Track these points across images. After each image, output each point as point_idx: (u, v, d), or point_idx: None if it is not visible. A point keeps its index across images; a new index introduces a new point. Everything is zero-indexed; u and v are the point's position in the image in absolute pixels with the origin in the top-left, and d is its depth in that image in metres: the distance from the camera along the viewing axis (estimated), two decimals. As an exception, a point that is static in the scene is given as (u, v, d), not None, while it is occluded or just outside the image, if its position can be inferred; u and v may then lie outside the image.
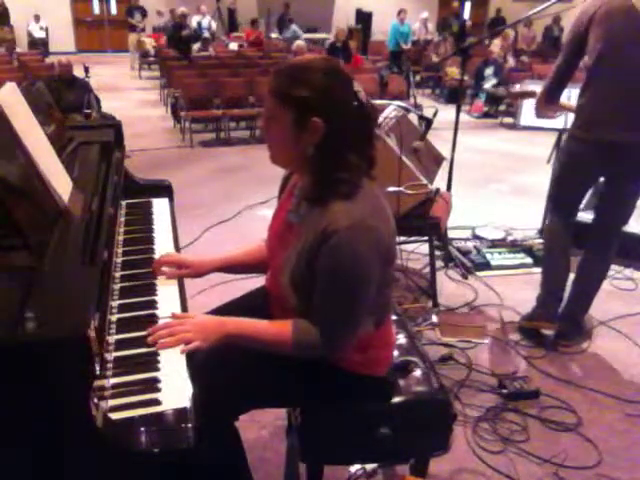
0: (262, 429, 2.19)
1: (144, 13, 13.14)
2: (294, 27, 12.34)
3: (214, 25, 13.10)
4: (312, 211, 1.33)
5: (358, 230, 1.26)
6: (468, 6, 16.64)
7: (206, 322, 1.37)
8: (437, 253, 3.51)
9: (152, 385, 1.17)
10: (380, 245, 1.31)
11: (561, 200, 2.78)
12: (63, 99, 5.64)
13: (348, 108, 1.28)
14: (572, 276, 2.80)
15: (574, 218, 2.77)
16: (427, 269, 3.35)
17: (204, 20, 12.80)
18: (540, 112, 2.80)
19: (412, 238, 3.58)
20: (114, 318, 1.35)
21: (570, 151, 2.64)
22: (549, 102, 2.70)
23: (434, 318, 2.94)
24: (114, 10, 15.42)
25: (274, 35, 13.27)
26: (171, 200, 2.15)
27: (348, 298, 1.32)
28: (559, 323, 2.81)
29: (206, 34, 11.32)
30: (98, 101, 6.39)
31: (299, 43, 8.98)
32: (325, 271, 1.29)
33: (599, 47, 2.40)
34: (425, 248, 3.38)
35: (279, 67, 1.32)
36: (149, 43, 12.53)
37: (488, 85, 8.77)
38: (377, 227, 1.29)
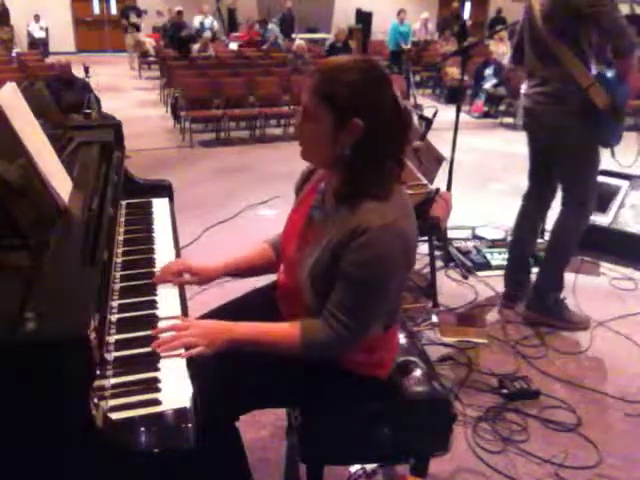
0: (262, 429, 2.19)
1: (139, 13, 13.13)
2: (271, 26, 12.34)
3: (216, 25, 13.11)
4: (340, 209, 1.33)
5: (390, 232, 1.26)
6: (468, 6, 16.64)
7: (211, 327, 1.37)
8: (437, 253, 3.51)
9: (152, 385, 1.16)
10: (407, 250, 1.32)
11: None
12: (63, 99, 5.63)
13: (387, 111, 1.28)
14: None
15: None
16: (427, 269, 3.35)
17: (207, 20, 12.81)
18: None
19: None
20: (114, 318, 1.35)
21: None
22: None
23: (434, 318, 2.94)
24: (114, 10, 15.42)
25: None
26: (171, 200, 2.15)
27: (368, 296, 1.31)
28: (528, 295, 3.05)
29: (208, 34, 11.31)
30: (98, 101, 6.38)
31: (299, 43, 8.98)
32: (350, 266, 1.28)
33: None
34: (425, 248, 3.37)
35: (321, 66, 1.32)
36: (149, 43, 12.53)
37: (488, 85, 8.77)
38: (407, 232, 1.30)
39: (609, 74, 2.57)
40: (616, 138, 2.70)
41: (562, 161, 2.81)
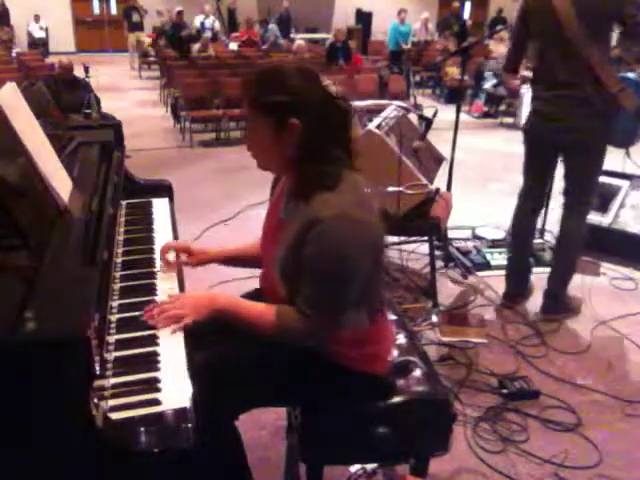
0: (262, 429, 2.19)
1: (141, 12, 13.12)
2: (271, 26, 12.33)
3: (217, 25, 13.10)
4: (299, 206, 1.36)
5: (342, 220, 1.29)
6: (468, 6, 16.64)
7: (198, 297, 1.42)
8: (437, 253, 3.51)
9: (152, 385, 1.16)
10: (366, 235, 1.34)
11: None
12: (63, 99, 5.62)
13: (322, 105, 1.33)
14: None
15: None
16: (427, 269, 3.35)
17: (208, 20, 12.80)
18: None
19: (412, 238, 3.58)
20: (114, 318, 1.35)
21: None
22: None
23: (434, 318, 2.94)
24: (114, 10, 15.42)
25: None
26: (171, 200, 2.15)
27: (331, 286, 1.34)
28: (543, 299, 3.06)
29: (208, 34, 11.31)
30: (98, 101, 6.37)
31: (299, 43, 8.98)
32: (309, 259, 1.32)
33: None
34: (425, 248, 3.38)
35: (248, 77, 1.38)
36: (149, 43, 12.53)
37: (488, 85, 8.76)
38: (360, 217, 1.33)
39: (630, 76, 2.63)
40: (637, 138, 2.75)
41: (577, 162, 2.80)
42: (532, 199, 3.04)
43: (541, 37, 2.72)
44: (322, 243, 1.30)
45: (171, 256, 1.65)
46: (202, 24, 12.62)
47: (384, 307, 1.56)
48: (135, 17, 12.77)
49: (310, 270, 1.33)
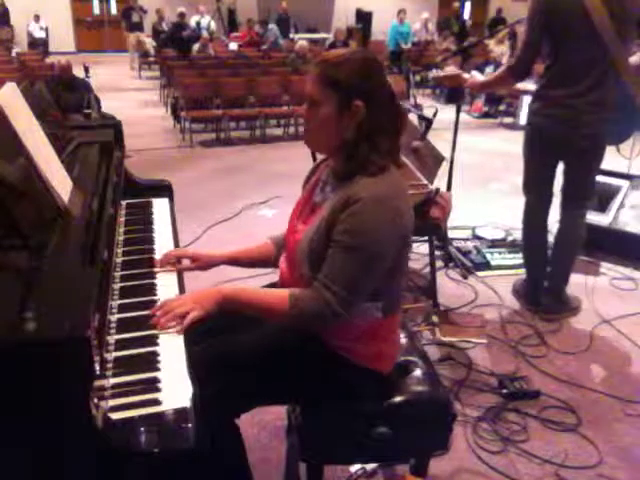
0: (262, 429, 2.19)
1: (141, 12, 13.11)
2: (271, 26, 12.32)
3: (213, 25, 13.10)
4: (338, 188, 1.41)
5: (380, 204, 1.33)
6: (468, 6, 16.63)
7: (200, 292, 1.42)
8: (437, 253, 3.51)
9: (152, 385, 1.17)
10: (399, 224, 1.36)
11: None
12: (63, 99, 5.63)
13: (385, 96, 1.39)
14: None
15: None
16: (427, 269, 3.35)
17: (203, 20, 12.80)
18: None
19: (412, 238, 3.57)
20: (114, 318, 1.35)
21: None
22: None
23: (434, 318, 2.94)
24: (114, 10, 15.40)
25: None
26: (171, 200, 2.15)
27: (356, 264, 1.34)
28: (543, 298, 3.07)
29: (205, 34, 11.31)
30: (98, 101, 6.39)
31: (302, 43, 8.98)
32: (339, 234, 1.34)
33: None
34: (425, 248, 3.37)
35: (321, 57, 1.42)
36: (149, 43, 12.52)
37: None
38: (398, 206, 1.36)
39: None
40: (627, 136, 2.82)
41: (582, 163, 2.80)
42: (542, 201, 3.00)
43: (565, 37, 2.59)
44: (356, 220, 1.32)
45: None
46: (198, 24, 12.61)
47: (399, 306, 1.56)
48: (134, 17, 12.77)
49: (338, 246, 1.34)
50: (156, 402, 1.12)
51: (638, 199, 3.78)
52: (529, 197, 3.03)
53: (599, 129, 2.68)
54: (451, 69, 3.23)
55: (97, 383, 1.04)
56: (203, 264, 1.68)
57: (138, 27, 12.86)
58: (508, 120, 8.16)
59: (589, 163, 2.81)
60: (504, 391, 2.42)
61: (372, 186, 1.34)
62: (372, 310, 1.44)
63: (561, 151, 2.81)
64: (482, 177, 5.44)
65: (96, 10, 15.62)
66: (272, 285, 1.66)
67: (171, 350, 1.27)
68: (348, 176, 1.39)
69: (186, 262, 1.68)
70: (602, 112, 2.65)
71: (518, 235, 3.97)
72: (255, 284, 1.78)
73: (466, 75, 3.13)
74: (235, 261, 1.73)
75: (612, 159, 2.91)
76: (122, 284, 1.52)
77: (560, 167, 2.90)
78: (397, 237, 1.37)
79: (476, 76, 3.12)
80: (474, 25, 15.04)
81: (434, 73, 3.33)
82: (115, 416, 1.07)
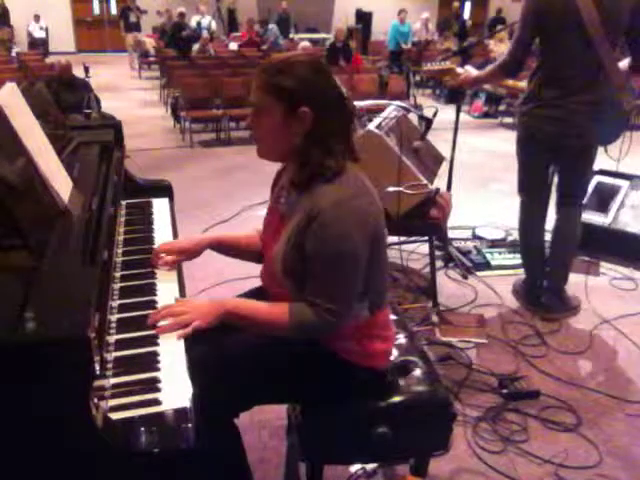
0: (262, 429, 2.19)
1: (138, 12, 13.11)
2: (271, 26, 12.32)
3: (214, 25, 13.10)
4: (300, 198, 1.39)
5: (341, 208, 1.32)
6: (468, 6, 16.63)
7: (204, 302, 1.41)
8: (437, 253, 3.51)
9: (152, 385, 1.16)
10: (365, 224, 1.35)
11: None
12: (63, 99, 5.63)
13: (333, 99, 1.37)
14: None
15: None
16: (427, 269, 3.35)
17: (204, 20, 12.80)
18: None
19: (412, 238, 3.58)
20: (114, 318, 1.35)
21: None
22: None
23: (434, 318, 2.94)
24: (114, 10, 15.42)
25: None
26: (171, 200, 2.15)
27: (339, 275, 1.35)
28: (543, 297, 3.09)
29: (205, 34, 11.31)
30: (98, 101, 6.39)
31: (304, 44, 8.97)
32: (314, 251, 1.34)
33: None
34: (425, 248, 3.38)
35: (265, 64, 1.39)
36: (149, 43, 12.53)
37: (488, 85, 8.75)
38: (360, 206, 1.35)
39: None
40: (616, 137, 2.81)
41: (577, 163, 2.82)
42: (539, 201, 3.02)
43: (557, 37, 2.60)
44: (322, 233, 1.32)
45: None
46: (198, 24, 12.61)
47: (385, 300, 1.55)
48: (132, 17, 12.77)
49: (316, 263, 1.34)
50: (156, 402, 1.12)
51: (638, 199, 3.78)
52: (524, 198, 3.04)
53: (593, 129, 2.68)
54: (445, 63, 3.22)
55: (97, 383, 1.04)
56: (192, 254, 1.67)
57: (136, 27, 12.85)
58: (508, 120, 8.16)
59: (583, 163, 2.82)
60: (504, 391, 2.42)
61: (330, 193, 1.33)
62: (358, 310, 1.44)
63: (554, 152, 2.81)
64: (482, 177, 5.44)
65: (96, 10, 15.64)
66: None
67: (171, 350, 1.27)
68: (305, 184, 1.37)
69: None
70: (594, 112, 2.65)
71: (518, 235, 3.99)
72: (250, 285, 1.78)
73: (460, 70, 3.13)
74: (220, 244, 1.71)
75: (600, 160, 2.91)
76: (122, 284, 1.52)
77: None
78: (366, 236, 1.36)
79: (470, 71, 3.10)
80: (474, 25, 15.04)
81: (427, 66, 3.31)
82: (115, 416, 1.07)
